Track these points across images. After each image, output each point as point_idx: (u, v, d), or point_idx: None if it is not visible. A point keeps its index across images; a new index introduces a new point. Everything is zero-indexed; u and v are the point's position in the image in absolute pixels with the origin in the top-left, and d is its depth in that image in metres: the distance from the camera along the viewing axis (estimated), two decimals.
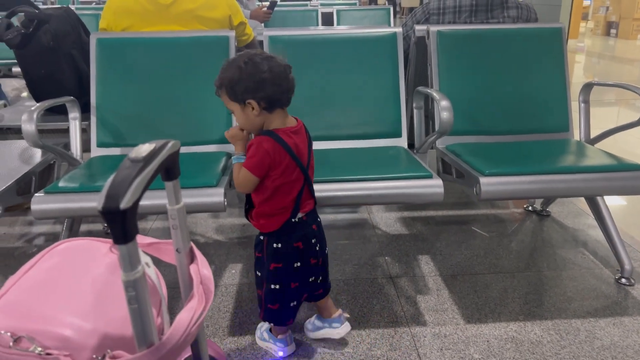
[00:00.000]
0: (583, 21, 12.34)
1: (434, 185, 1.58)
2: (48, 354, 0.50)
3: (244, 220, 2.41)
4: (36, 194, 1.50)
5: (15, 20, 2.19)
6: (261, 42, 2.15)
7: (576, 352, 1.49)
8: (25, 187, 1.70)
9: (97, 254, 0.64)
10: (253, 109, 1.19)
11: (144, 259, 0.48)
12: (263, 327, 1.52)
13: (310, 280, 1.38)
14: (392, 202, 2.37)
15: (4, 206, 1.50)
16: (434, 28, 2.07)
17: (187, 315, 0.50)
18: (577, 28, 10.43)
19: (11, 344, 0.50)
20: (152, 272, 0.51)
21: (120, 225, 0.42)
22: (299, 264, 1.32)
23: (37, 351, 0.50)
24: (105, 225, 2.32)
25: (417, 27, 2.14)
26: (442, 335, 1.58)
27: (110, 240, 0.68)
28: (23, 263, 2.04)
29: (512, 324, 1.62)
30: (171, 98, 1.97)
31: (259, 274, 1.36)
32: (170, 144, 0.52)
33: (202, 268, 0.56)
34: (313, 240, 1.35)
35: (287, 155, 1.22)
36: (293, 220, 1.29)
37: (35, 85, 2.28)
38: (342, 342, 1.54)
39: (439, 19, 2.25)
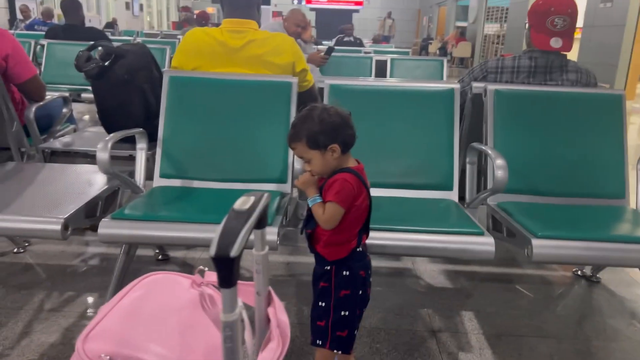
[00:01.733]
0: None
1: (486, 243, 1.58)
2: None
3: (289, 259, 2.46)
4: (104, 219, 1.59)
5: (95, 54, 2.36)
6: (320, 89, 2.24)
7: None
8: (91, 210, 1.80)
9: (180, 288, 0.69)
10: (333, 152, 1.31)
11: (239, 302, 0.53)
12: None
13: (364, 309, 1.44)
14: (441, 257, 2.36)
15: (73, 227, 1.60)
16: (491, 86, 2.11)
17: (269, 355, 0.54)
18: (634, 89, 10.23)
19: None
20: (244, 314, 0.56)
21: (228, 271, 0.47)
22: (361, 291, 1.39)
23: None
24: (157, 251, 2.42)
25: (475, 84, 2.18)
26: None
27: (190, 276, 0.73)
28: (77, 280, 2.13)
29: None
30: (233, 136, 2.06)
31: (322, 304, 1.39)
32: (265, 196, 0.57)
33: (279, 312, 0.60)
34: (369, 271, 1.43)
35: (364, 189, 1.34)
36: (357, 249, 1.38)
37: (106, 114, 2.42)
38: None
39: (497, 77, 2.29)
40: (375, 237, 1.57)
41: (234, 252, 0.47)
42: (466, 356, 1.75)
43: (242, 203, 0.53)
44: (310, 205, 1.34)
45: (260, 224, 0.56)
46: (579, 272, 2.43)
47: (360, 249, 1.39)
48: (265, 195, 0.58)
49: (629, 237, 1.65)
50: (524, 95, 2.12)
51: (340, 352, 1.41)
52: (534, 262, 1.61)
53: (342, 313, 1.37)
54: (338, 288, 1.36)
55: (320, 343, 1.40)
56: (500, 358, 1.74)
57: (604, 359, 1.77)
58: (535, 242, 1.58)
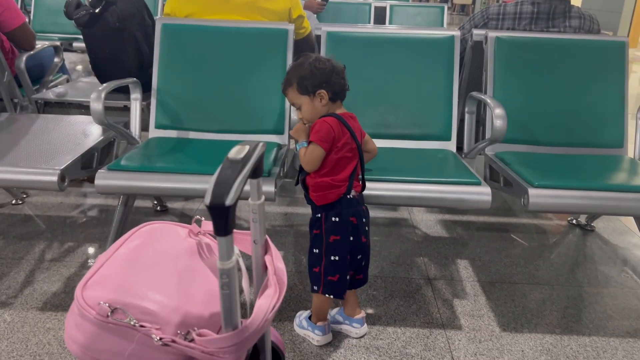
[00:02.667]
0: None
1: (482, 193, 1.59)
2: (142, 325, 0.56)
3: (287, 209, 2.48)
4: (100, 170, 1.58)
5: (85, 0, 2.29)
6: (318, 37, 2.18)
7: None
8: (87, 161, 1.79)
9: (177, 237, 0.70)
10: (322, 99, 1.38)
11: (236, 250, 0.53)
12: (302, 315, 1.60)
13: (358, 257, 1.48)
14: (439, 206, 2.38)
15: (69, 178, 1.59)
16: (492, 33, 2.06)
17: (266, 302, 0.55)
18: (638, 37, 10.04)
19: (109, 314, 0.56)
20: (241, 262, 0.56)
21: (224, 219, 0.47)
22: (352, 237, 1.44)
23: (132, 322, 0.56)
24: (155, 202, 2.43)
25: (475, 32, 2.13)
26: (477, 341, 1.59)
27: (187, 226, 0.73)
28: (76, 231, 2.15)
29: (548, 337, 1.63)
30: (228, 86, 2.03)
31: (316, 251, 1.45)
32: (259, 146, 0.56)
33: (276, 260, 0.60)
34: (364, 220, 1.47)
35: (347, 132, 1.38)
36: (348, 196, 1.42)
37: (98, 64, 2.37)
38: (377, 338, 1.58)
39: (498, 24, 2.23)
40: (373, 188, 1.57)
41: (229, 201, 0.47)
42: (461, 302, 1.79)
43: (236, 152, 0.52)
44: (297, 150, 1.41)
45: (256, 173, 0.56)
46: (574, 221, 2.46)
47: (352, 196, 1.43)
48: (260, 144, 0.58)
49: (625, 186, 1.66)
50: (525, 42, 2.07)
51: (332, 296, 1.46)
52: (530, 211, 1.62)
53: (332, 258, 1.43)
54: (328, 233, 1.42)
55: (316, 289, 1.47)
56: (494, 304, 1.79)
57: (594, 304, 1.81)
58: (531, 191, 1.59)
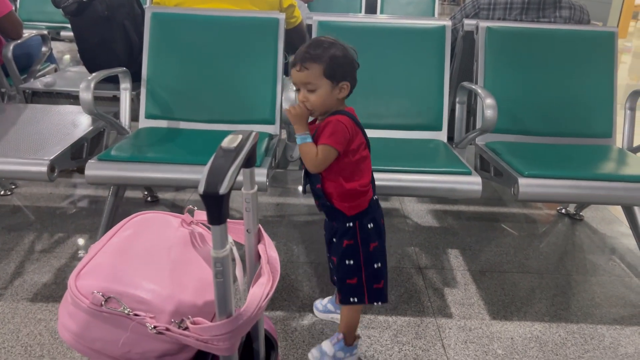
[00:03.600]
0: (633, 20, 11.91)
1: (473, 182, 1.60)
2: (136, 314, 0.56)
3: (278, 200, 2.48)
4: (90, 161, 1.57)
5: None
6: (309, 26, 2.17)
7: (599, 357, 1.51)
8: (77, 152, 1.78)
9: (170, 227, 0.70)
10: (341, 91, 1.23)
11: (230, 239, 0.53)
12: (331, 346, 1.42)
13: None
14: (430, 196, 2.39)
15: (59, 169, 1.58)
16: (483, 24, 2.06)
17: (259, 290, 0.56)
18: (627, 27, 10.07)
19: (103, 303, 0.56)
20: (235, 251, 0.56)
21: (217, 208, 0.47)
22: (383, 240, 1.36)
23: (126, 311, 0.56)
24: (146, 193, 2.42)
25: (466, 22, 2.13)
26: (467, 329, 1.61)
27: (180, 215, 0.73)
28: (66, 222, 2.14)
29: (537, 324, 1.65)
30: (219, 75, 2.01)
31: (350, 262, 1.32)
32: (252, 135, 0.56)
33: (269, 249, 0.60)
34: (383, 219, 1.38)
35: (360, 132, 1.27)
36: (375, 198, 1.34)
37: (87, 53, 2.35)
38: (369, 327, 1.59)
39: (489, 14, 2.23)
40: None
41: (222, 190, 0.47)
42: (451, 291, 1.81)
43: (229, 141, 0.52)
44: (299, 143, 1.23)
45: (249, 162, 0.56)
46: (563, 210, 2.48)
47: (376, 197, 1.34)
48: (253, 133, 0.58)
49: (614, 176, 1.68)
50: (516, 32, 2.07)
51: (380, 302, 1.37)
52: (520, 200, 1.63)
53: (375, 266, 1.33)
54: (366, 242, 1.31)
55: (355, 300, 1.34)
56: (484, 293, 1.81)
57: (582, 292, 1.84)
58: (521, 180, 1.60)
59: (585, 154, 1.89)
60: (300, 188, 1.59)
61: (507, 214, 2.46)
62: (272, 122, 1.98)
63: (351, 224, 1.30)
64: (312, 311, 1.65)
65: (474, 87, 1.93)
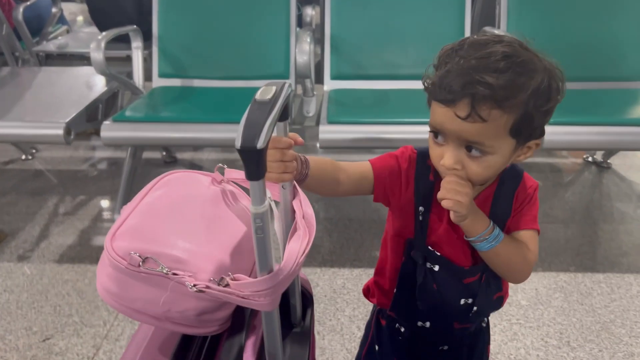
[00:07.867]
0: None
1: None
2: (175, 274, 0.56)
3: None
4: (105, 122, 1.56)
5: None
6: None
7: (626, 306, 1.49)
8: (92, 114, 1.77)
9: (201, 185, 0.69)
10: (528, 151, 0.71)
11: (268, 193, 0.52)
12: None
13: None
14: None
15: (75, 131, 1.58)
16: None
17: (296, 245, 0.55)
18: None
19: (140, 264, 0.56)
20: (274, 206, 0.56)
21: (255, 163, 0.46)
22: None
23: (164, 271, 0.55)
24: (164, 153, 2.41)
25: None
26: None
27: (210, 174, 0.73)
28: (87, 184, 2.15)
29: (562, 275, 1.62)
30: (230, 30, 1.96)
31: None
32: (286, 86, 0.54)
33: (304, 205, 0.59)
34: None
35: None
36: None
37: (97, 13, 2.32)
38: None
39: None
40: (384, 131, 1.54)
41: (260, 144, 0.45)
42: None
43: (263, 93, 0.50)
44: (485, 250, 0.73)
45: (283, 115, 0.53)
46: (590, 158, 2.41)
47: None
48: (287, 84, 0.55)
49: None
50: None
51: None
52: (545, 149, 1.58)
53: None
54: (488, 341, 0.95)
55: None
56: None
57: (609, 240, 1.80)
58: (546, 127, 1.54)
59: (615, 98, 1.81)
60: (318, 145, 1.55)
61: (530, 164, 2.39)
62: (286, 77, 1.93)
63: (484, 324, 0.91)
64: (332, 266, 1.65)
65: (496, 31, 1.84)
